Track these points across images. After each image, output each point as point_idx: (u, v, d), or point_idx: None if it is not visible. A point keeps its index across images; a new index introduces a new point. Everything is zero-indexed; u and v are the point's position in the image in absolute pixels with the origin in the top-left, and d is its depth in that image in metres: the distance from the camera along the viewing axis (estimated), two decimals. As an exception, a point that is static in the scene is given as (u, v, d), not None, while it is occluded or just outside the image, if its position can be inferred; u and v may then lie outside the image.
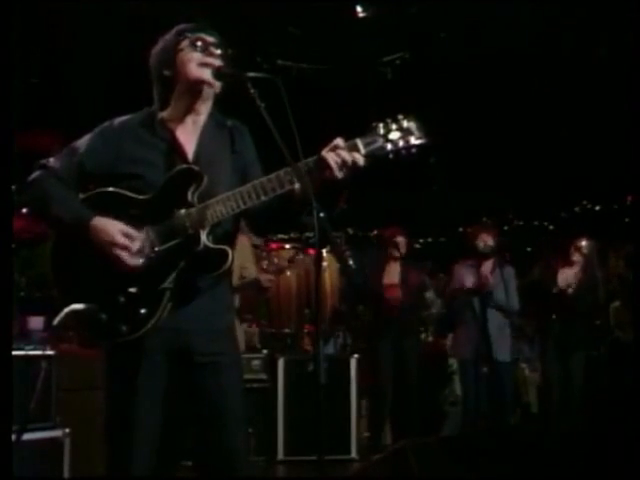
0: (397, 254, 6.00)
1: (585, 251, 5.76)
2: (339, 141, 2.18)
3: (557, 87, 7.81)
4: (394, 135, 2.18)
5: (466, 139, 8.61)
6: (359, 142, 2.18)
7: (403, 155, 2.19)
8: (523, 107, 8.19)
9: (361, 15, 6.83)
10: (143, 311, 2.18)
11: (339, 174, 2.14)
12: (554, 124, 8.51)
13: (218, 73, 2.25)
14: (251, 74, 2.14)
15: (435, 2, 6.62)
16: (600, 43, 7.16)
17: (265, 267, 5.30)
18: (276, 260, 5.89)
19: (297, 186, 2.19)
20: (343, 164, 2.14)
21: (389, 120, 2.19)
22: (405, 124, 2.19)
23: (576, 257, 5.75)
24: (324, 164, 2.15)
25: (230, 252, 2.22)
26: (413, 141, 2.18)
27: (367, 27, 6.94)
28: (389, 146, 2.18)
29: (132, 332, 2.18)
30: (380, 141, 2.18)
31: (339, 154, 2.15)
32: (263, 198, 2.19)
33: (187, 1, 5.76)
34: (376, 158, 2.19)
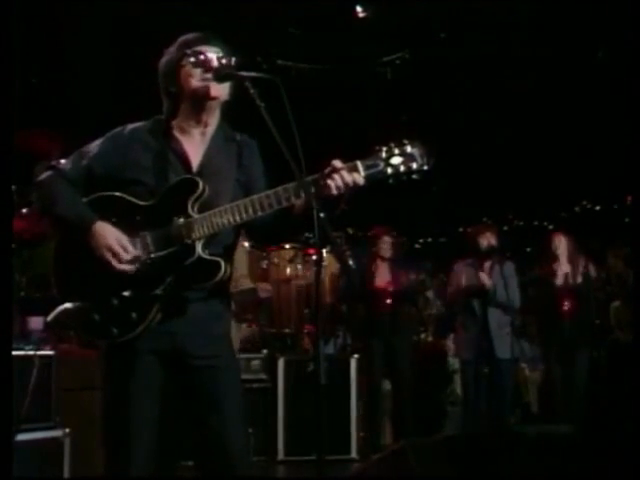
0: (384, 254, 5.99)
1: (562, 249, 5.78)
2: (337, 163, 2.18)
3: (557, 87, 7.81)
4: (396, 160, 2.17)
5: (466, 139, 8.62)
6: (360, 165, 2.18)
7: (404, 180, 2.19)
8: (523, 107, 8.20)
9: (361, 15, 6.83)
10: (134, 315, 2.21)
11: (338, 194, 2.15)
12: (554, 124, 8.51)
13: (218, 74, 2.25)
14: (251, 74, 2.15)
15: (435, 2, 6.62)
16: (600, 44, 7.16)
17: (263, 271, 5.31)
18: (276, 260, 5.88)
19: (296, 201, 2.20)
20: (343, 185, 2.15)
21: (392, 144, 2.19)
22: (409, 149, 2.18)
23: (556, 254, 5.79)
24: (323, 184, 2.15)
25: (223, 264, 2.23)
26: (415, 167, 2.18)
27: (367, 27, 6.94)
28: (389, 170, 2.18)
29: (122, 335, 2.21)
30: (381, 165, 2.18)
31: (339, 175, 2.15)
32: (260, 213, 2.21)
33: (188, 2, 5.76)
34: (376, 181, 2.19)
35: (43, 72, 7.00)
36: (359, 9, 6.80)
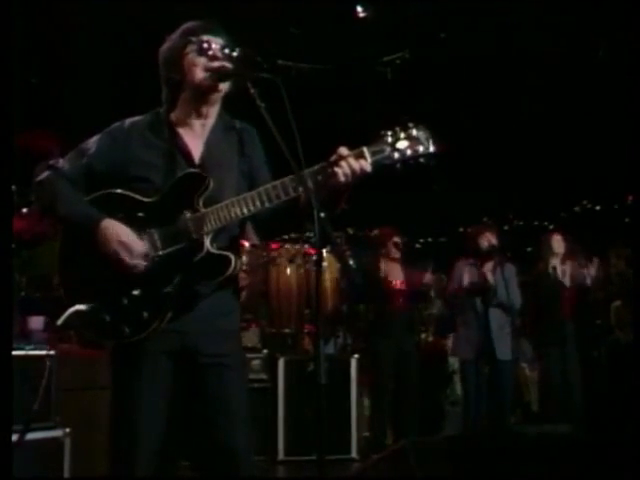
0: (394, 255, 5.99)
1: (557, 248, 5.79)
2: (343, 150, 2.15)
3: (557, 87, 7.81)
4: (402, 144, 2.14)
5: (466, 139, 8.61)
6: (366, 151, 2.15)
7: (411, 165, 2.16)
8: (523, 107, 8.20)
9: (361, 15, 6.84)
10: (146, 314, 2.18)
11: (345, 182, 2.13)
12: (554, 124, 8.51)
13: (220, 73, 2.24)
14: (252, 74, 2.13)
15: (435, 2, 6.63)
16: (600, 43, 7.16)
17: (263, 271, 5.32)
18: (276, 260, 5.87)
19: (303, 191, 2.17)
20: (351, 173, 2.12)
21: (398, 128, 2.16)
22: (414, 133, 2.15)
23: (554, 254, 5.79)
24: (330, 172, 2.13)
25: (233, 258, 2.21)
26: (421, 151, 2.15)
27: (367, 27, 6.94)
28: (396, 155, 2.15)
29: (134, 334, 2.19)
30: (387, 150, 2.15)
31: (347, 163, 2.12)
32: (267, 205, 2.18)
33: (187, 1, 5.76)
34: (383, 167, 2.16)
35: (43, 72, 7.00)
36: (359, 9, 6.80)
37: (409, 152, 2.15)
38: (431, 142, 2.16)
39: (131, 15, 6.40)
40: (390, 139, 2.16)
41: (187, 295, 2.23)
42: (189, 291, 2.23)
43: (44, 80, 7.07)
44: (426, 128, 2.17)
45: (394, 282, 5.94)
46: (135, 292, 2.20)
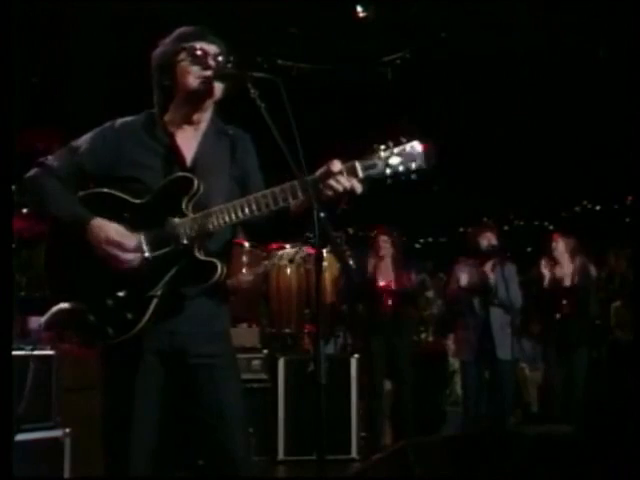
0: (382, 253, 5.96)
1: (562, 249, 5.79)
2: (336, 164, 2.12)
3: (557, 87, 7.82)
4: (395, 160, 2.12)
5: (466, 139, 8.62)
6: (358, 165, 2.12)
7: (402, 180, 2.14)
8: (523, 107, 8.20)
9: (361, 15, 6.84)
10: (129, 316, 2.17)
11: (335, 198, 2.11)
12: (554, 124, 8.52)
13: (219, 74, 2.23)
14: (253, 74, 2.13)
15: (435, 2, 6.63)
16: (600, 43, 7.17)
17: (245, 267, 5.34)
18: (276, 260, 5.87)
19: (293, 201, 2.16)
20: (342, 189, 2.10)
21: (391, 143, 2.13)
22: (407, 149, 2.13)
23: (557, 254, 5.79)
24: (321, 187, 2.11)
25: (220, 265, 2.19)
26: (413, 167, 2.12)
27: (367, 27, 6.95)
28: (388, 171, 2.12)
29: (118, 336, 2.17)
30: (379, 165, 2.12)
31: (337, 181, 2.10)
32: (256, 213, 2.17)
33: (187, 1, 5.77)
34: (373, 181, 2.14)
35: (43, 72, 7.00)
36: (359, 9, 6.80)
37: (401, 168, 2.12)
38: (425, 159, 2.13)
39: (131, 15, 6.40)
40: (383, 154, 2.13)
41: (173, 297, 2.21)
42: (175, 294, 2.22)
43: (44, 80, 7.07)
44: (420, 144, 2.14)
45: (383, 281, 5.90)
46: (120, 293, 2.19)
